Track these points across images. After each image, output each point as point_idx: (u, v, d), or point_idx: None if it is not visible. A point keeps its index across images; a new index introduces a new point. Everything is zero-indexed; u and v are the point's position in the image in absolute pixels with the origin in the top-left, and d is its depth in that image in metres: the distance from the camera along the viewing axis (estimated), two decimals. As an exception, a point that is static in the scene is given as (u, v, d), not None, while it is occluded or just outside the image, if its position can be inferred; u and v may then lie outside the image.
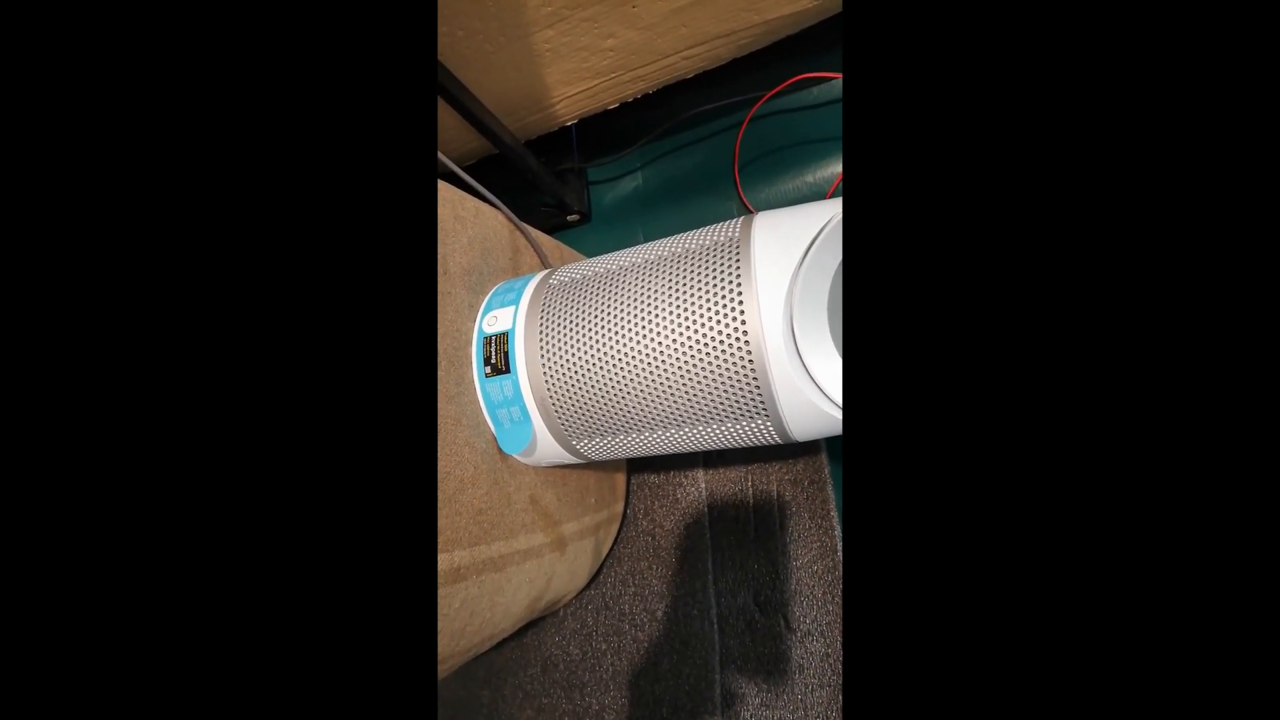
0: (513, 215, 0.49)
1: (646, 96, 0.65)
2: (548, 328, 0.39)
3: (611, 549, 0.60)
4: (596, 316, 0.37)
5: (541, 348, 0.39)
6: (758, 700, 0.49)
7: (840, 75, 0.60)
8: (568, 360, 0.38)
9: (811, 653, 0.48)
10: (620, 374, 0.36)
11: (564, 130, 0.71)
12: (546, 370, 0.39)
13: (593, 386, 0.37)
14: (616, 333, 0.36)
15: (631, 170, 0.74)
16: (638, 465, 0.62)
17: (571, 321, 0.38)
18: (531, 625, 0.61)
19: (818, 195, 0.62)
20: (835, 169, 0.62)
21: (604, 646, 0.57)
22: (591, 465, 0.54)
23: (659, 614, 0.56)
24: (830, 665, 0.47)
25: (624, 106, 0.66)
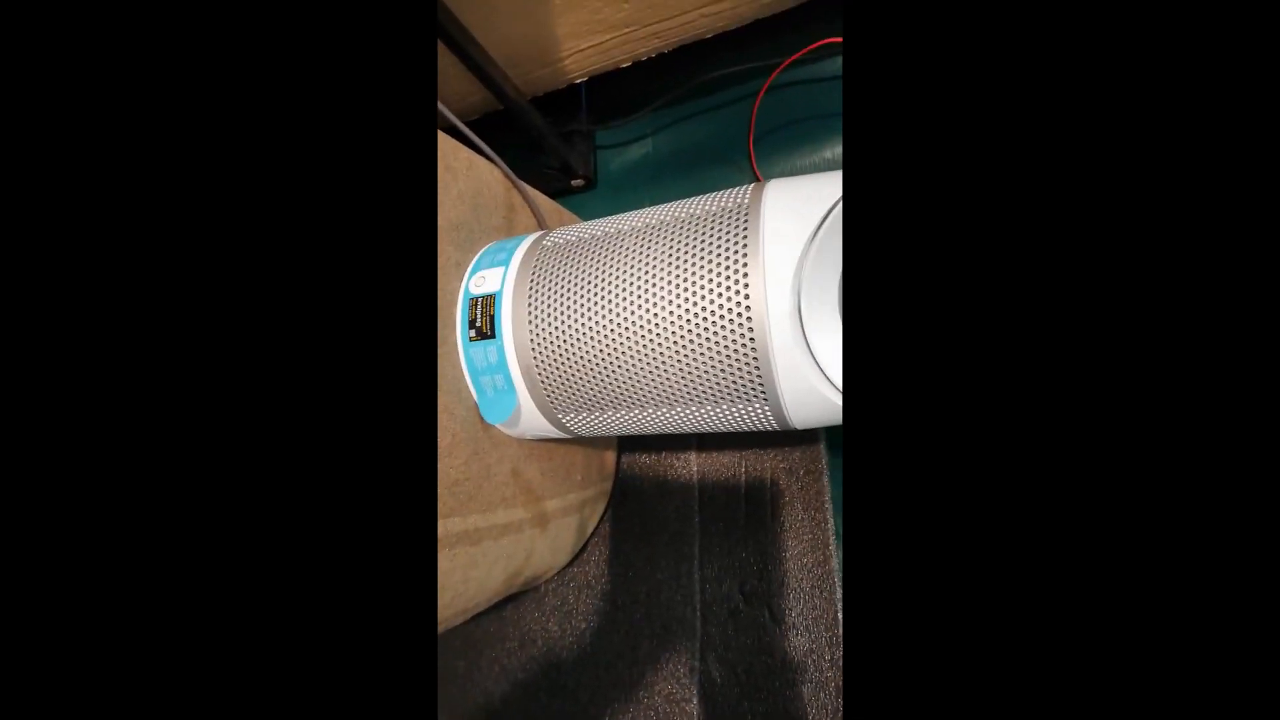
0: (510, 172, 0.46)
1: (662, 56, 0.61)
2: (537, 292, 0.36)
3: (596, 527, 0.58)
4: (589, 282, 0.34)
5: (530, 313, 0.36)
6: (736, 691, 0.47)
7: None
8: (557, 327, 0.35)
9: (795, 647, 0.46)
10: (611, 345, 0.34)
11: (573, 88, 0.67)
12: (534, 337, 0.36)
13: (582, 357, 0.35)
14: (610, 300, 0.33)
15: (641, 136, 0.70)
16: (629, 444, 0.60)
17: (563, 286, 0.35)
18: (511, 599, 0.60)
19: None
20: (856, 145, 0.59)
21: (584, 625, 0.56)
22: (581, 441, 0.52)
23: (641, 596, 0.54)
24: (814, 662, 0.46)
25: (637, 65, 0.62)
